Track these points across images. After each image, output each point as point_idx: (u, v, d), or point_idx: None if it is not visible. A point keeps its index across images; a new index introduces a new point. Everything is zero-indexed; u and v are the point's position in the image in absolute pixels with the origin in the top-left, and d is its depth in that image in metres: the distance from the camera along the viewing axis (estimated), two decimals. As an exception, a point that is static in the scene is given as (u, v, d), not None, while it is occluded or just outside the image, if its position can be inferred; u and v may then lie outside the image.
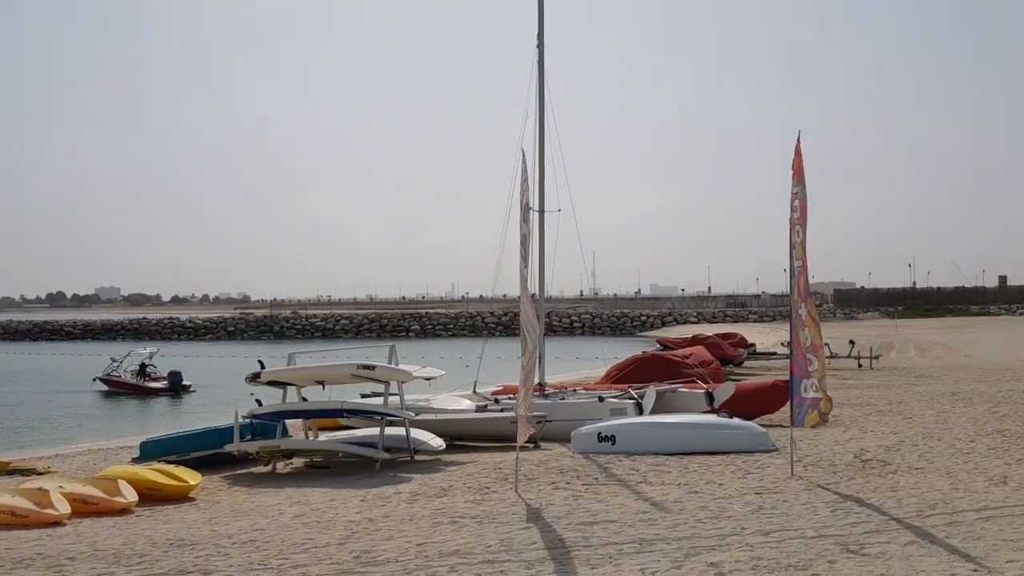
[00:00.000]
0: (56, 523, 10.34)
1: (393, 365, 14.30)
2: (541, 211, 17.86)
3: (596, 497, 10.29)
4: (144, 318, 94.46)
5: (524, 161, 11.30)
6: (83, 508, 10.89)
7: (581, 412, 15.81)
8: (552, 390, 18.00)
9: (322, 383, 14.89)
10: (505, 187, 14.84)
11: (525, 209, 11.09)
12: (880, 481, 10.58)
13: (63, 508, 10.62)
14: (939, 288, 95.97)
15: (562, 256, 18.46)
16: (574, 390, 18.58)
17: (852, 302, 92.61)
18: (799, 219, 10.87)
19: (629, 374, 21.02)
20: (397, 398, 14.51)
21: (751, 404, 16.60)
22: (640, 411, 16.02)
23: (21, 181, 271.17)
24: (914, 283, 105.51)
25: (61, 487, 11.29)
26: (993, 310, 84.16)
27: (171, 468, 12.67)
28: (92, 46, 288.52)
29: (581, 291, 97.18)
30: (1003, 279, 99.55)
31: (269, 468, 14.10)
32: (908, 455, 12.30)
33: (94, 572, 7.90)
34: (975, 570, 6.78)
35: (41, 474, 14.66)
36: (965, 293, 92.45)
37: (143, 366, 35.07)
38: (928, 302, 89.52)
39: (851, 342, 33.89)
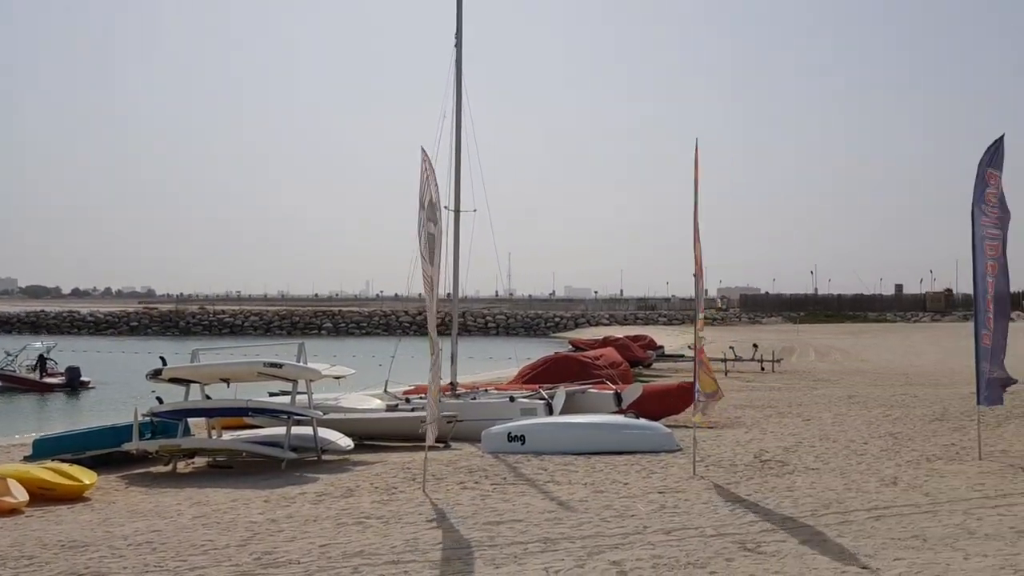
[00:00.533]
0: (-62, 525, 9.85)
1: (301, 363, 14.10)
2: (456, 211, 17.85)
3: (503, 497, 10.34)
4: (42, 311, 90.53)
5: (427, 159, 11.21)
6: (-32, 509, 10.41)
7: (492, 412, 15.87)
8: (463, 390, 18.01)
9: (227, 381, 14.57)
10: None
11: (431, 208, 11.01)
12: (778, 481, 10.90)
13: (-54, 509, 10.13)
14: (839, 295, 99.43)
15: (478, 256, 18.52)
16: (485, 390, 18.62)
17: (757, 307, 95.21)
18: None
19: (540, 374, 21.20)
20: (305, 397, 14.30)
21: (657, 405, 16.91)
22: (550, 411, 16.16)
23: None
24: (816, 290, 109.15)
25: (-55, 487, 10.77)
26: (889, 317, 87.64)
27: (65, 467, 12.20)
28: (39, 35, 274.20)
29: (496, 291, 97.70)
30: (899, 288, 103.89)
31: (169, 468, 13.73)
32: (805, 456, 12.70)
33: (-22, 576, 7.57)
34: (864, 568, 7.05)
35: (-77, 473, 13.96)
36: (863, 300, 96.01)
37: (42, 360, 33.68)
38: (829, 308, 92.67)
39: (755, 345, 34.86)
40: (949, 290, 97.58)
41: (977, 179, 12.26)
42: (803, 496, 9.91)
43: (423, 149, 11.32)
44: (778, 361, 32.76)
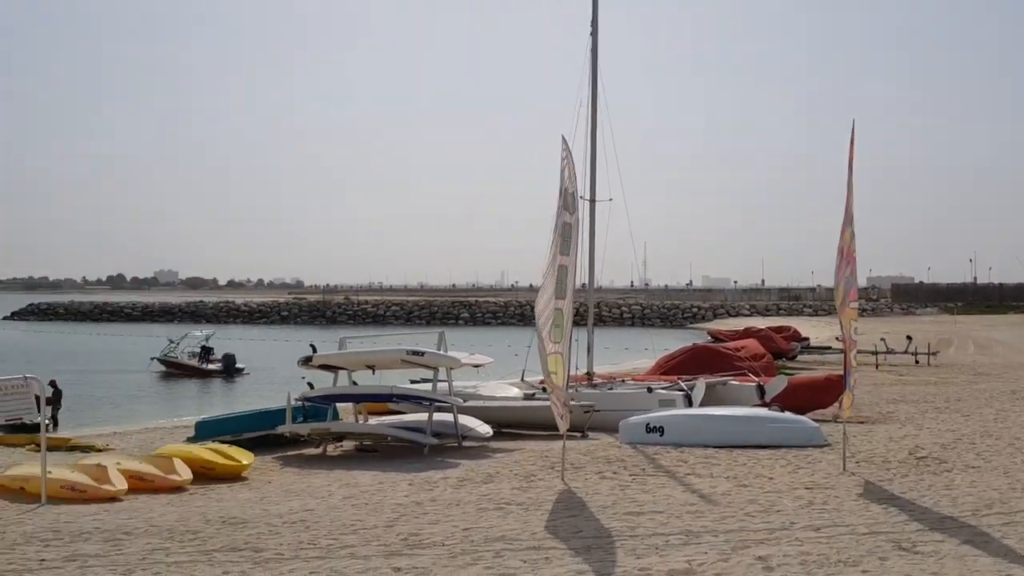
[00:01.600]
0: (113, 498, 10.62)
1: (442, 352, 14.39)
2: (592, 200, 17.78)
3: (643, 488, 10.25)
4: (201, 301, 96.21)
5: (567, 148, 11.10)
6: (139, 484, 11.17)
7: (629, 402, 15.74)
8: (601, 380, 17.95)
9: (372, 368, 15.05)
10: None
11: (569, 198, 10.94)
12: (935, 479, 10.37)
13: (120, 484, 10.91)
14: (1001, 284, 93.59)
15: (613, 245, 18.37)
16: (623, 380, 18.50)
17: (910, 297, 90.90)
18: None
19: (679, 365, 20.86)
20: (445, 384, 14.60)
21: (804, 398, 16.36)
22: (689, 403, 15.90)
23: (82, 168, 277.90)
24: (975, 278, 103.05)
25: (119, 464, 11.61)
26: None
27: (225, 448, 12.94)
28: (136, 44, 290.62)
29: (632, 281, 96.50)
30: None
31: (320, 450, 14.31)
32: (964, 453, 12.03)
33: (149, 547, 8.10)
34: (1032, 572, 6.61)
35: (100, 451, 15.09)
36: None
37: (205, 348, 35.63)
38: (989, 298, 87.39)
39: (908, 337, 33.24)
40: None
41: None
42: (963, 495, 9.39)
43: (564, 138, 11.22)
44: (934, 354, 31.11)
